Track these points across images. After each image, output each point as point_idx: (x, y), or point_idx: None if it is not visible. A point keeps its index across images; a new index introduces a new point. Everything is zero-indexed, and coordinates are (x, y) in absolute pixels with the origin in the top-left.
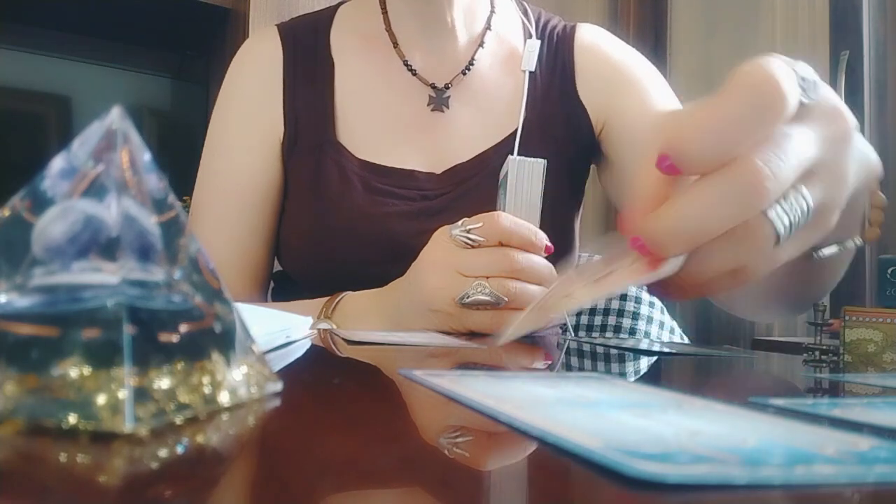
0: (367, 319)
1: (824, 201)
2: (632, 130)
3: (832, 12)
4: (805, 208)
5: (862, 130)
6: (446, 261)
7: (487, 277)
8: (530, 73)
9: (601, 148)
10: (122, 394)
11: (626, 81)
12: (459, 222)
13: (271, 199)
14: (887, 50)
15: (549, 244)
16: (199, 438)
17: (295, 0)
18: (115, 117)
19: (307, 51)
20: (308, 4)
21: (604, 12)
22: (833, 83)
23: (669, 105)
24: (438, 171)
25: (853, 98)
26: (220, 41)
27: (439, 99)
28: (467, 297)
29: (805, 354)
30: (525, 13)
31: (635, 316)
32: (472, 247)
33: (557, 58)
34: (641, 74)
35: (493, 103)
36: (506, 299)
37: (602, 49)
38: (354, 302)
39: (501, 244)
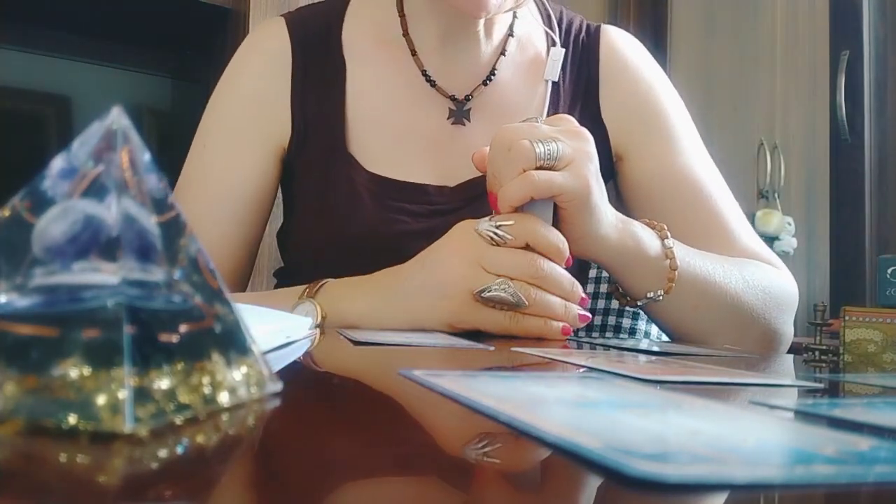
0: (356, 301)
1: (572, 154)
2: (649, 182)
3: (832, 12)
4: (554, 149)
5: (862, 130)
6: (469, 251)
7: (510, 278)
8: (553, 82)
9: (615, 177)
10: (122, 394)
11: (651, 121)
12: (487, 217)
13: (259, 201)
14: (887, 50)
15: (569, 256)
16: (199, 438)
17: (295, 0)
18: (115, 117)
19: (317, 49)
20: (308, 3)
21: (603, 11)
22: (833, 83)
23: (692, 154)
24: (451, 185)
25: (853, 98)
26: (220, 41)
27: (459, 111)
28: (488, 291)
29: (805, 354)
30: (548, 18)
31: (635, 316)
32: (497, 244)
33: (582, 68)
34: (670, 113)
35: (514, 114)
36: (527, 303)
37: (629, 66)
38: (339, 285)
39: (528, 247)
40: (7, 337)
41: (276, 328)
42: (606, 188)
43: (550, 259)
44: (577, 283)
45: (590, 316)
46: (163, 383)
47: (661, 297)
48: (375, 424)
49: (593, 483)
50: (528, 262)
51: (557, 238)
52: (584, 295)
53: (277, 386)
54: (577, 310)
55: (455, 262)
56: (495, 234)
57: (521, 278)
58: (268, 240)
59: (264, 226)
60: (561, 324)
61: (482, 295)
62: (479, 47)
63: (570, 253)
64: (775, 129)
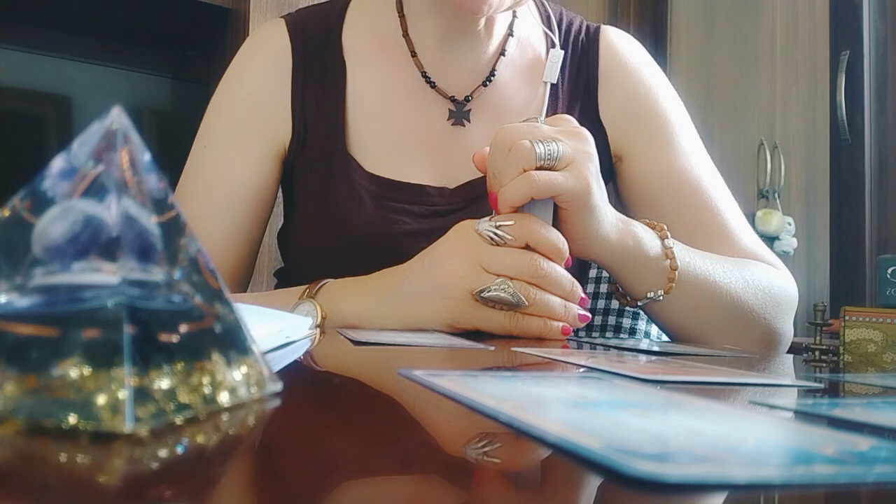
0: (356, 301)
1: (572, 155)
2: (649, 183)
3: (832, 12)
4: (555, 149)
5: (862, 130)
6: (469, 251)
7: (510, 278)
8: (552, 84)
9: (614, 178)
10: (123, 394)
11: (651, 122)
12: (487, 217)
13: (260, 202)
14: (887, 50)
15: (569, 256)
16: (199, 438)
17: (295, 0)
18: (115, 117)
19: (317, 50)
20: (308, 4)
21: (603, 11)
22: (833, 83)
23: (691, 155)
24: (451, 186)
25: (853, 98)
26: (220, 41)
27: (459, 112)
28: (488, 291)
29: (805, 354)
30: (548, 19)
31: (635, 316)
32: (497, 244)
33: (581, 69)
34: (669, 114)
35: (513, 115)
36: (527, 303)
37: (628, 67)
38: (339, 285)
39: (528, 247)
40: (7, 337)
41: (276, 328)
42: (606, 189)
43: (550, 259)
44: (577, 283)
45: (590, 316)
46: (163, 383)
47: (661, 297)
48: (375, 424)
49: (593, 483)
50: (528, 262)
51: (557, 238)
52: (584, 295)
53: (277, 386)
54: (577, 310)
55: (455, 262)
56: (495, 234)
57: (521, 278)
58: (268, 240)
59: (265, 226)
60: (561, 324)
61: (482, 295)
62: (479, 48)
63: (571, 253)
64: (775, 129)
